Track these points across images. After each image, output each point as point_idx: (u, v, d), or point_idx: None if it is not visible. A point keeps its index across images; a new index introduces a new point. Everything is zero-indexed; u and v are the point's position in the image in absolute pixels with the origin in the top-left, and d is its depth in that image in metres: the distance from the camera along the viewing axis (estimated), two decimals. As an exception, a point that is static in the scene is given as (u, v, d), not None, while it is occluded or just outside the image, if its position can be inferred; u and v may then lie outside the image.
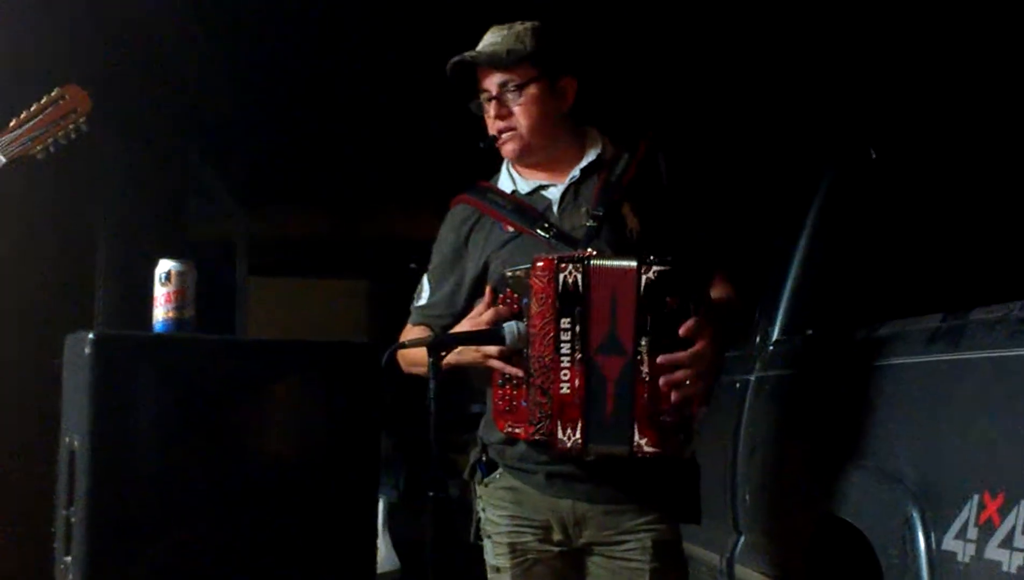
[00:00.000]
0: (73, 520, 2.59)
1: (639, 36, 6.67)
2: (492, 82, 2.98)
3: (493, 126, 3.00)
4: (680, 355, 2.73)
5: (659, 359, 2.72)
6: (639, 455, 2.76)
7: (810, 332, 3.99)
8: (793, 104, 7.07)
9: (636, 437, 2.75)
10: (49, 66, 4.54)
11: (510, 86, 2.97)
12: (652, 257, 2.73)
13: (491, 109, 2.99)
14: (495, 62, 2.96)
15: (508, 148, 3.01)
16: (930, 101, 6.13)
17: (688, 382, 2.74)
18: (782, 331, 4.13)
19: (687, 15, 6.48)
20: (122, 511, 2.60)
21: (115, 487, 2.59)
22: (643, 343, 2.73)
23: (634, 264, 2.72)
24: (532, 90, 2.97)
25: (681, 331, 2.73)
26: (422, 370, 2.76)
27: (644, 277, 2.71)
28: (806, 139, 5.67)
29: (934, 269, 3.92)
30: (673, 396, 2.73)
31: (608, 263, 2.76)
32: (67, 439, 2.63)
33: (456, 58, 2.98)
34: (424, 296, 3.13)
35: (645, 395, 2.74)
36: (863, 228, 4.10)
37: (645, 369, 2.73)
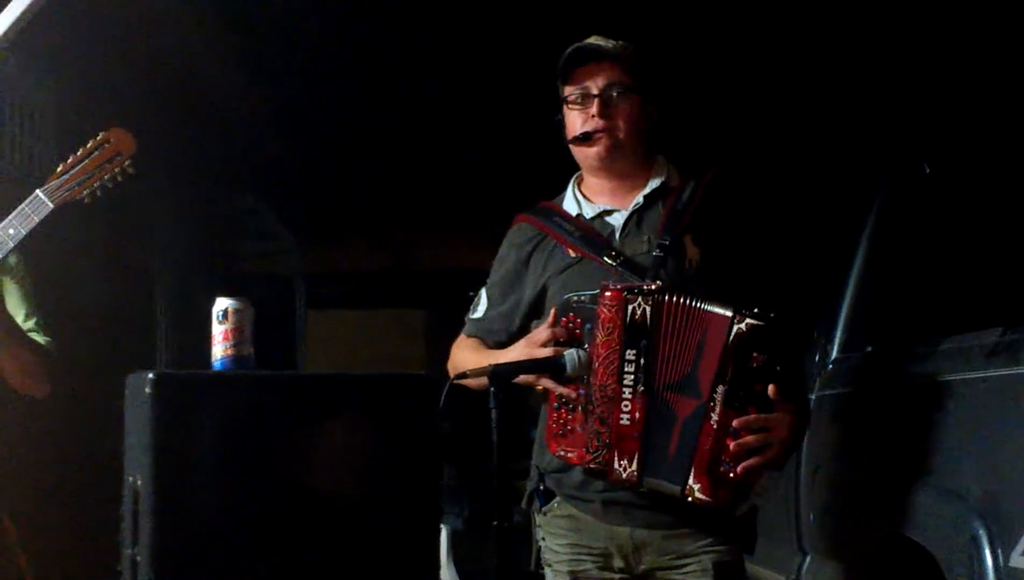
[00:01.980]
0: (139, 559, 2.60)
1: (690, 56, 6.66)
2: (598, 81, 2.96)
3: (590, 123, 2.96)
4: (755, 418, 2.72)
5: (735, 422, 2.71)
6: (689, 499, 2.75)
7: (869, 349, 3.96)
8: (846, 121, 7.04)
9: (691, 481, 2.74)
10: (98, 112, 4.60)
11: (617, 87, 2.96)
12: (749, 310, 2.71)
13: (593, 106, 2.96)
14: (615, 57, 2.96)
15: (601, 145, 2.97)
16: (982, 114, 6.08)
17: (760, 447, 2.73)
18: (841, 349, 4.10)
19: (737, 33, 6.47)
20: (187, 549, 2.61)
21: (179, 525, 2.60)
22: (719, 391, 2.72)
23: (729, 313, 2.71)
24: (635, 97, 2.97)
25: (770, 393, 2.71)
26: (469, 382, 2.78)
27: (736, 327, 2.70)
28: (860, 155, 5.64)
29: (991, 282, 3.89)
30: (740, 466, 2.72)
31: (698, 305, 2.75)
32: (130, 479, 2.65)
33: (575, 50, 2.96)
34: (481, 309, 3.13)
35: (709, 443, 2.73)
36: (919, 243, 4.07)
37: (715, 417, 2.72)
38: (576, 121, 3.00)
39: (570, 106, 3.01)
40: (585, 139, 2.97)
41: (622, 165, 3.02)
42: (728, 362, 2.71)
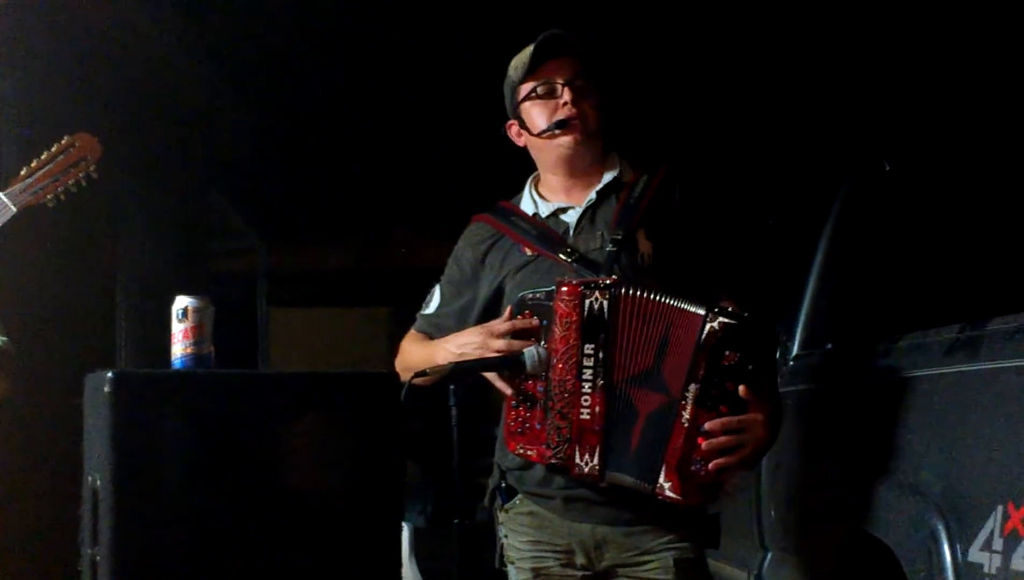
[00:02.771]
0: (98, 559, 2.59)
1: (649, 48, 6.68)
2: (563, 73, 2.98)
3: (563, 111, 2.98)
4: (729, 420, 2.72)
5: (707, 425, 2.72)
6: (659, 497, 2.76)
7: (830, 346, 3.98)
8: (806, 118, 7.07)
9: (661, 479, 2.75)
10: (63, 111, 4.58)
11: (582, 79, 2.99)
12: (721, 308, 2.72)
13: (564, 94, 2.97)
14: (575, 50, 2.98)
15: (576, 131, 2.99)
16: (943, 111, 6.12)
17: (732, 447, 2.73)
18: (802, 346, 4.12)
19: (700, 28, 6.49)
20: (147, 549, 2.60)
21: (139, 525, 2.59)
22: (690, 390, 2.72)
23: (702, 311, 2.71)
24: (596, 87, 3.01)
25: (741, 393, 2.72)
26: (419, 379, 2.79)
27: (708, 326, 2.70)
28: (820, 153, 5.68)
29: (951, 279, 3.92)
30: (712, 463, 2.73)
31: (660, 300, 2.75)
32: (90, 478, 2.64)
33: (540, 44, 2.97)
34: (433, 305, 3.14)
35: (680, 441, 2.73)
36: (879, 240, 4.10)
37: (687, 415, 2.72)
38: (540, 116, 3.01)
39: (534, 101, 3.01)
40: (560, 126, 2.98)
41: (586, 157, 3.03)
42: (700, 361, 2.71)
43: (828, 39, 6.45)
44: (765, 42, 6.57)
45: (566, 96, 2.97)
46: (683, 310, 2.74)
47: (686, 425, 2.72)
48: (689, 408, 2.72)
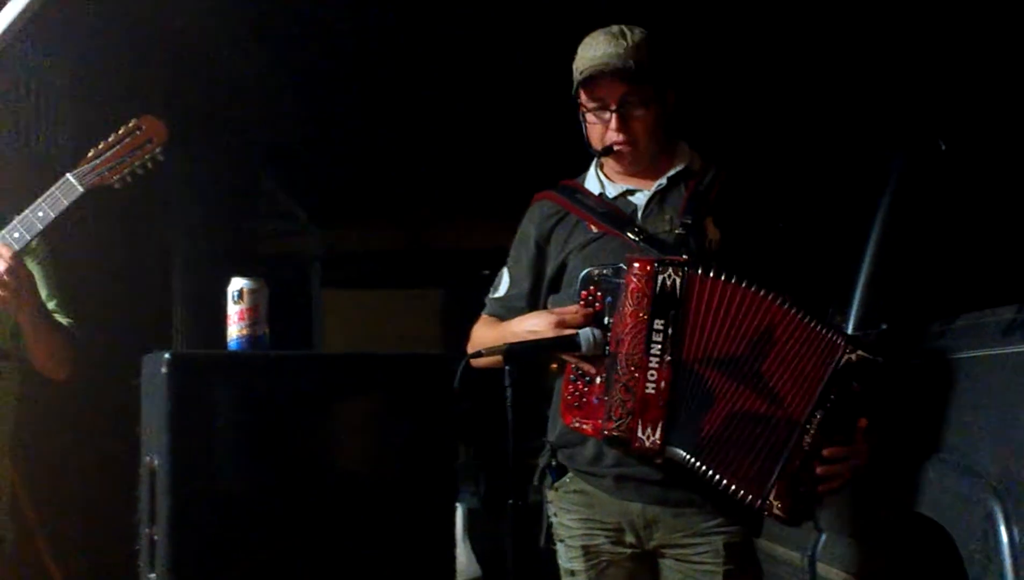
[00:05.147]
0: (156, 538, 2.62)
1: (706, 34, 6.64)
2: (614, 93, 2.97)
3: (610, 137, 2.98)
4: (846, 450, 2.79)
5: (825, 452, 2.77)
6: (766, 513, 2.81)
7: (884, 326, 3.95)
8: (862, 97, 7.01)
9: (772, 496, 2.79)
10: (115, 93, 4.61)
11: (633, 100, 2.97)
12: (856, 338, 2.79)
13: (613, 121, 2.97)
14: (624, 76, 2.95)
15: (623, 158, 3.01)
16: (999, 91, 6.05)
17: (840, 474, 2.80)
18: (856, 326, 4.09)
19: (754, 9, 6.45)
20: (204, 528, 2.63)
21: (196, 504, 2.62)
22: (817, 415, 2.77)
23: (841, 341, 2.76)
24: (652, 106, 2.99)
25: (860, 425, 2.78)
26: (486, 362, 2.80)
27: (846, 356, 2.75)
28: (876, 132, 5.63)
29: (1007, 259, 3.88)
30: (821, 487, 2.79)
31: (763, 295, 2.78)
32: (147, 458, 2.67)
33: (590, 71, 2.95)
34: (502, 288, 3.15)
35: (797, 463, 2.78)
36: (935, 220, 4.06)
37: (809, 440, 2.77)
38: (595, 130, 3.02)
39: (589, 115, 3.02)
40: (607, 153, 3.00)
41: (642, 163, 3.05)
42: (831, 388, 2.77)
43: (889, 19, 6.39)
44: (825, 23, 6.52)
45: (614, 123, 2.97)
46: (822, 336, 2.77)
47: (807, 449, 2.77)
48: (813, 433, 2.77)
